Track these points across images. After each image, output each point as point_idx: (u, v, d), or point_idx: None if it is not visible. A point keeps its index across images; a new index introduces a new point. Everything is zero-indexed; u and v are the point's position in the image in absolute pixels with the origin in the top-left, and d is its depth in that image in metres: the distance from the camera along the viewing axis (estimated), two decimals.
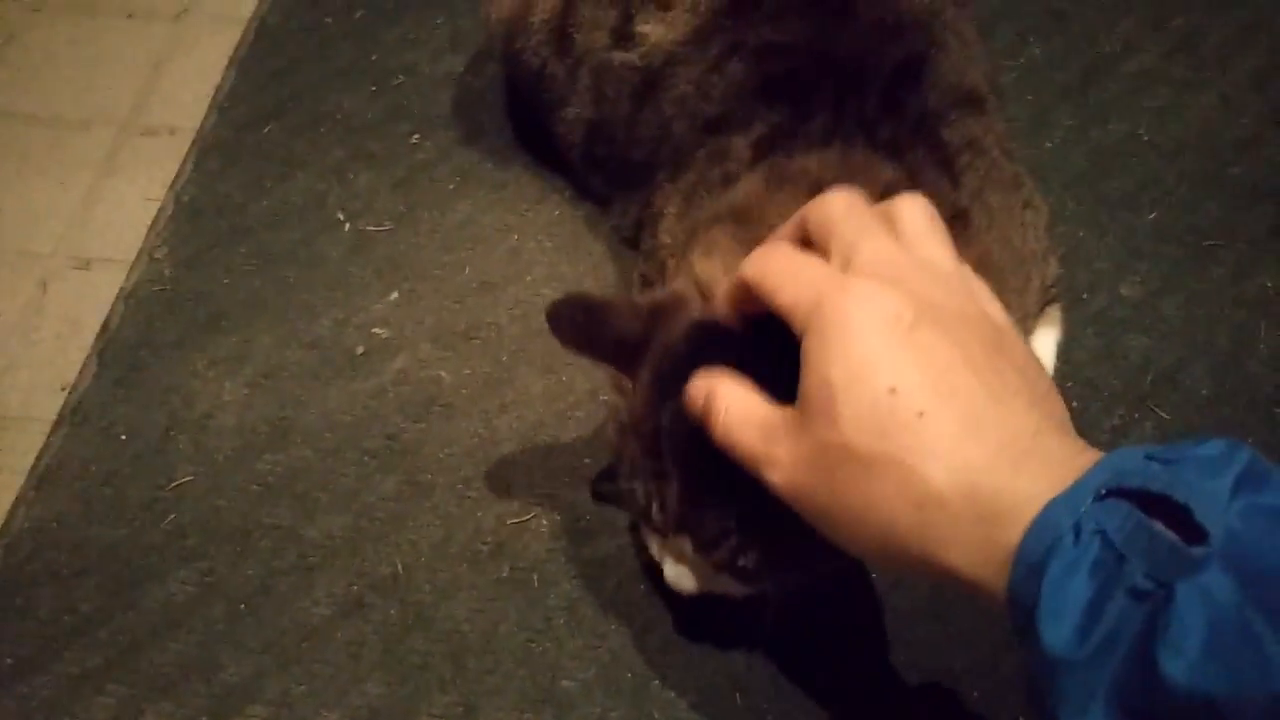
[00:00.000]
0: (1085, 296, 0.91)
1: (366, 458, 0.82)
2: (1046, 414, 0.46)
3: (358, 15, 1.12)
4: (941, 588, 0.50)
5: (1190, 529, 0.39)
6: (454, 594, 0.76)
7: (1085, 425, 0.84)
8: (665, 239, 0.78)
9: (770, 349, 0.53)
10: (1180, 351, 0.89)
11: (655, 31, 0.81)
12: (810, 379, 0.48)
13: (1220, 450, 0.42)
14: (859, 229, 0.51)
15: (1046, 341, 0.82)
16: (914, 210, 0.52)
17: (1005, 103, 0.86)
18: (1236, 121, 1.04)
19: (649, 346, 0.61)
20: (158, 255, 0.95)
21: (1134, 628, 0.39)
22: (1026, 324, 0.77)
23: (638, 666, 0.73)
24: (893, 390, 0.45)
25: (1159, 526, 0.40)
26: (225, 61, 1.09)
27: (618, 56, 0.83)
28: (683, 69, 0.80)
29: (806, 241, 0.54)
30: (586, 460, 0.82)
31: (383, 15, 1.12)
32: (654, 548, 0.67)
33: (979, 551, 0.44)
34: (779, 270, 0.51)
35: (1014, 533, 0.42)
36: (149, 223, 0.97)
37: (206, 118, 1.05)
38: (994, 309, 0.51)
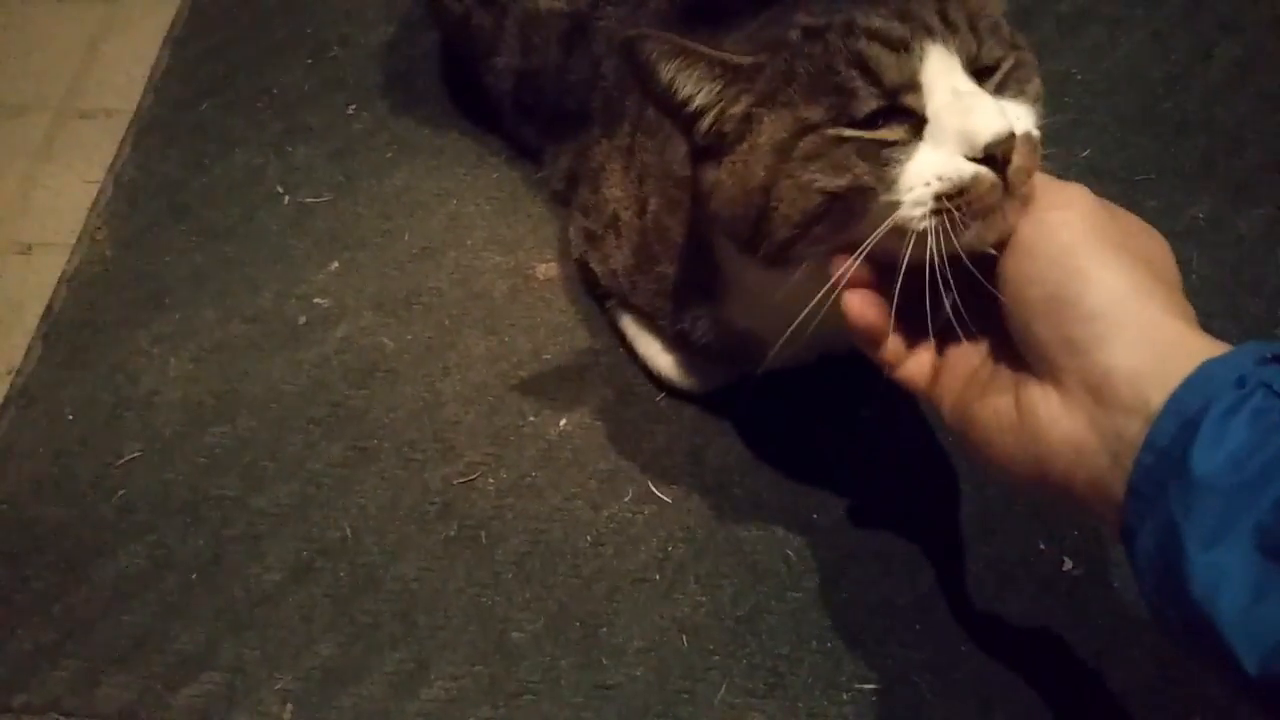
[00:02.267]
0: None
1: (312, 426, 0.83)
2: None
3: None
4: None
5: None
6: (403, 554, 0.77)
7: None
8: (617, 193, 0.79)
9: None
10: None
11: None
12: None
13: None
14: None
15: None
16: None
17: None
18: (1167, 57, 1.05)
19: None
20: (98, 237, 0.95)
21: None
22: None
23: (585, 615, 0.74)
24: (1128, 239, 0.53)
25: None
26: (160, 41, 1.09)
27: (543, 4, 0.84)
28: (611, 10, 0.80)
29: None
30: (531, 419, 0.83)
31: None
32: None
33: (1149, 361, 0.48)
34: None
35: (1178, 368, 0.47)
36: (89, 205, 0.97)
37: (143, 98, 1.05)
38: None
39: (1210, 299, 0.89)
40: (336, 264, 0.92)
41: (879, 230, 0.56)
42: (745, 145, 0.60)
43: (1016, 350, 0.54)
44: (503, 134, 0.98)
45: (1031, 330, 0.52)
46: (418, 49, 1.06)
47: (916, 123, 0.56)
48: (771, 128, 0.58)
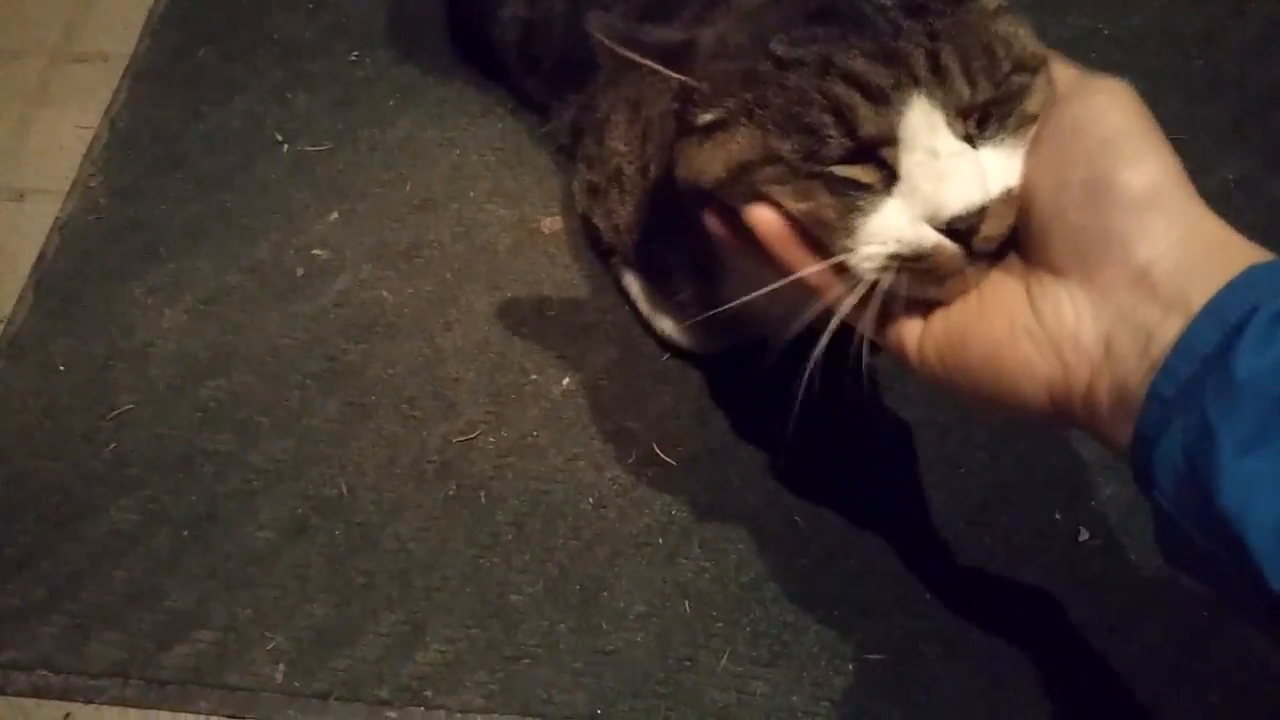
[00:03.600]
0: None
1: (309, 381, 0.81)
2: None
3: None
4: None
5: None
6: (400, 513, 0.75)
7: None
8: (620, 146, 0.76)
9: None
10: None
11: None
12: None
13: None
14: None
15: None
16: None
17: None
18: (1198, 12, 1.02)
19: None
20: (93, 184, 0.92)
21: None
22: None
23: (586, 579, 0.72)
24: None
25: None
26: None
27: None
28: None
29: None
30: (534, 377, 0.81)
31: None
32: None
33: (1192, 257, 0.45)
34: None
35: (1222, 267, 0.44)
36: (83, 152, 0.95)
37: (140, 43, 1.02)
38: None
39: None
40: (336, 215, 0.89)
41: (828, 261, 0.52)
42: (713, 141, 0.56)
43: (1021, 256, 0.50)
44: (508, 85, 0.95)
45: (1065, 219, 0.48)
46: None
47: (890, 173, 0.51)
48: (742, 143, 0.54)
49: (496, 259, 0.87)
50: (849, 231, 0.51)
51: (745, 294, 0.66)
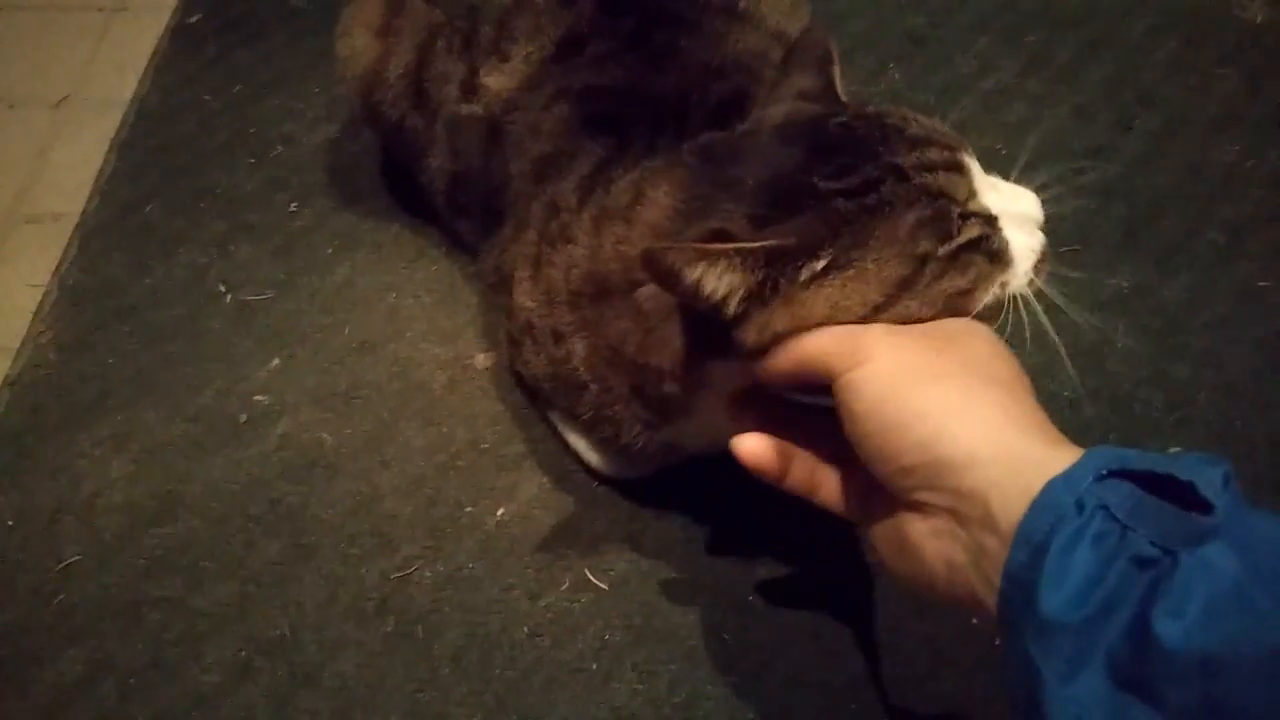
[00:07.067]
0: None
1: (252, 524, 0.84)
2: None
3: (236, 89, 1.14)
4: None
5: (1192, 508, 0.44)
6: (341, 651, 0.77)
7: None
8: (527, 302, 0.79)
9: None
10: (1042, 356, 0.91)
11: (496, 82, 0.83)
12: None
13: (1207, 455, 0.46)
14: None
15: None
16: None
17: None
18: (1088, 130, 1.09)
19: None
20: (43, 340, 0.96)
21: (1136, 593, 0.42)
22: None
23: (523, 708, 0.74)
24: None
25: (1163, 501, 0.44)
26: (107, 145, 1.11)
27: (464, 109, 0.86)
28: (519, 114, 0.82)
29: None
30: (468, 509, 0.84)
31: (261, 88, 1.15)
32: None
33: (994, 480, 0.49)
34: None
35: (1025, 483, 0.47)
36: (34, 309, 0.98)
37: (89, 201, 1.06)
38: None
39: (1136, 366, 0.91)
40: (277, 360, 0.93)
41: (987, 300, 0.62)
42: (829, 287, 0.59)
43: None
44: (441, 228, 1.00)
45: (878, 470, 0.54)
46: (359, 146, 1.09)
47: (984, 219, 0.61)
48: (875, 271, 0.59)
49: (432, 396, 0.90)
50: (1004, 268, 0.62)
51: (694, 435, 0.74)
